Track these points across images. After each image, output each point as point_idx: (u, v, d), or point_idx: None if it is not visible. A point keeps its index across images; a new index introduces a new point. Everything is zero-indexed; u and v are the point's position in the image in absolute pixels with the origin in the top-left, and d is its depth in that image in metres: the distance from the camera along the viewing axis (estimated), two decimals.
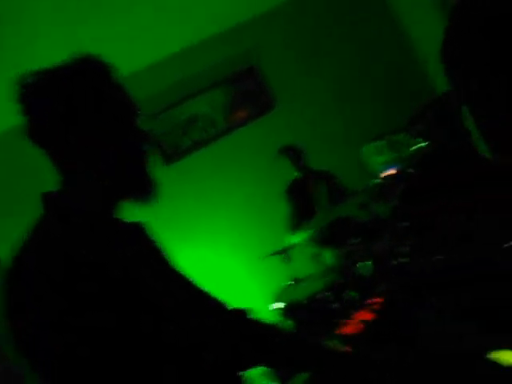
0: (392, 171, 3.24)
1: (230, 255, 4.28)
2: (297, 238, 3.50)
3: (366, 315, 1.73)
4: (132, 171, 1.10)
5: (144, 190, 1.14)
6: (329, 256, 3.47)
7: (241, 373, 1.11)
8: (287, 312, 2.76)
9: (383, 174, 3.27)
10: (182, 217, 4.20)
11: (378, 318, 1.65)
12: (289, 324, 2.68)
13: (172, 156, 4.23)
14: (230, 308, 1.15)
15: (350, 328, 1.69)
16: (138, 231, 1.08)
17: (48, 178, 1.13)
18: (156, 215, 3.76)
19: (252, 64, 4.42)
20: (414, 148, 3.27)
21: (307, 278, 2.98)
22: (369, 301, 1.82)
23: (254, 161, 4.40)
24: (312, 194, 3.59)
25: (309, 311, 2.69)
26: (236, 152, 4.40)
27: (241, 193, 4.38)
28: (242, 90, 4.39)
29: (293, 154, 3.69)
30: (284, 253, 3.13)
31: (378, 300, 1.77)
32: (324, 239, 3.49)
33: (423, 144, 3.06)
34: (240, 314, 1.16)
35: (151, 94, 4.12)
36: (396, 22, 4.83)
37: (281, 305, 2.82)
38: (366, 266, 2.49)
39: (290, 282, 2.92)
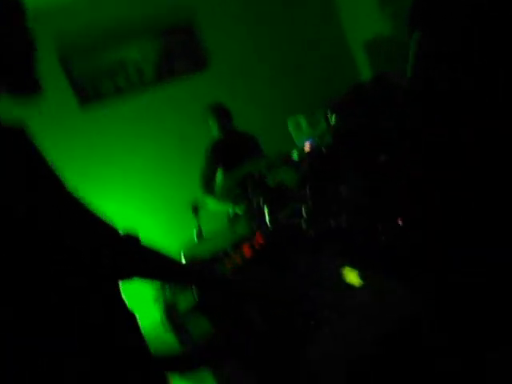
0: (308, 144, 3.36)
1: (140, 208, 4.23)
2: (208, 196, 3.54)
3: (247, 251, 1.89)
4: (16, 59, 1.00)
5: (25, 84, 1.03)
6: (235, 214, 3.54)
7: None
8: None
9: (302, 146, 3.38)
10: (93, 160, 4.08)
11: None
12: None
13: (92, 98, 4.10)
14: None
15: (230, 263, 1.86)
16: (21, 138, 1.02)
17: None
18: (67, 153, 3.72)
19: (189, 20, 4.38)
20: (327, 126, 3.43)
21: (214, 235, 3.00)
22: (254, 240, 1.93)
23: (178, 117, 4.36)
24: (233, 154, 3.60)
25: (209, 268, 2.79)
26: (161, 105, 4.34)
27: (158, 145, 4.34)
28: (177, 45, 4.33)
29: (219, 113, 3.67)
30: (194, 209, 3.14)
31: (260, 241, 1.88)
32: (232, 196, 3.52)
33: (336, 123, 3.20)
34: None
35: (81, 29, 4.00)
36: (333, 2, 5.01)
37: (184, 261, 2.91)
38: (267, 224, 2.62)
39: (196, 239, 2.95)
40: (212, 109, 3.68)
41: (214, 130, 3.69)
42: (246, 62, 4.67)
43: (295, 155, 3.22)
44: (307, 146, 3.33)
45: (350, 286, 1.35)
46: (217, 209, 3.53)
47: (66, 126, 3.94)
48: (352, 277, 1.38)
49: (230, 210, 3.55)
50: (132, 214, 4.17)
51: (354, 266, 1.44)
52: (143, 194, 4.24)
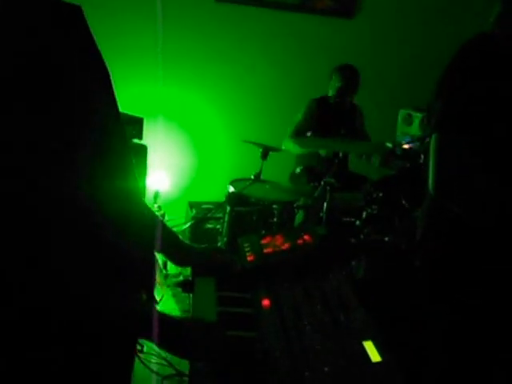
0: (407, 145, 3.19)
1: (219, 133, 4.17)
2: (288, 146, 3.37)
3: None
4: None
5: None
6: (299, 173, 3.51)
7: None
8: (231, 199, 2.83)
9: (402, 143, 3.22)
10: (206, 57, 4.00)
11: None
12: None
13: None
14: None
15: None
16: (75, 15, 0.90)
17: None
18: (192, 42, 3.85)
19: None
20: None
21: (269, 183, 2.99)
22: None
23: (300, 50, 4.16)
24: (334, 121, 3.39)
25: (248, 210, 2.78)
26: (289, 31, 4.12)
27: (269, 66, 4.15)
28: None
29: (348, 78, 3.40)
30: (264, 153, 2.99)
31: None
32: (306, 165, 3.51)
33: None
34: None
35: None
36: None
37: (232, 189, 2.87)
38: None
39: (251, 177, 2.92)
40: (342, 70, 3.42)
41: (331, 90, 3.45)
42: (393, 28, 4.30)
43: (399, 150, 3.09)
44: (406, 145, 3.17)
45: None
46: (295, 151, 3.42)
47: (197, 15, 3.91)
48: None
49: (297, 173, 3.50)
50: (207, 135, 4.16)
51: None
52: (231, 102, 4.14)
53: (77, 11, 0.91)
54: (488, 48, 1.29)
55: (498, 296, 1.33)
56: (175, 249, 1.35)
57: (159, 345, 0.96)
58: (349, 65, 3.44)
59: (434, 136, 1.29)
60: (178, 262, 1.45)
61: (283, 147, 3.35)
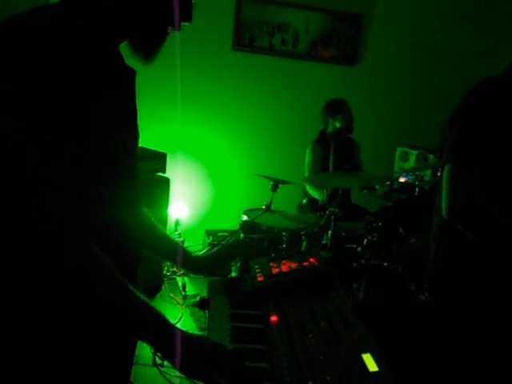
0: (404, 179, 3.21)
1: (232, 168, 4.18)
2: (310, 191, 3.43)
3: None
4: (153, 22, 0.96)
5: (149, 45, 1.01)
6: (305, 204, 3.50)
7: None
8: (244, 227, 2.88)
9: (399, 178, 3.26)
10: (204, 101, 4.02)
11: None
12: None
13: (245, 45, 4.01)
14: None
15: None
16: (130, 76, 1.04)
17: None
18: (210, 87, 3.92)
19: (362, 12, 4.15)
20: (428, 173, 3.31)
21: (279, 212, 3.00)
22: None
23: (307, 93, 4.18)
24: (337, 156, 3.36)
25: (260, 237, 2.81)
26: (298, 77, 4.17)
27: (278, 111, 4.20)
28: (341, 30, 4.14)
29: (349, 114, 3.42)
30: (274, 186, 2.98)
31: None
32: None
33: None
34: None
35: None
36: None
37: (245, 218, 2.95)
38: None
39: (262, 207, 2.95)
40: (345, 107, 3.42)
41: (335, 125, 3.43)
42: (391, 74, 4.36)
43: (396, 184, 3.14)
44: (403, 180, 3.21)
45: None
46: (315, 195, 3.42)
47: (216, 62, 3.98)
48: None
49: (303, 200, 3.49)
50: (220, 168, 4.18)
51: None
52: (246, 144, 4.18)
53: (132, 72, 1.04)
54: (498, 88, 1.30)
55: (501, 316, 1.31)
56: (191, 261, 1.38)
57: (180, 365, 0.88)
58: (342, 99, 3.47)
59: (446, 166, 1.29)
60: (196, 271, 1.45)
61: (309, 191, 3.47)
